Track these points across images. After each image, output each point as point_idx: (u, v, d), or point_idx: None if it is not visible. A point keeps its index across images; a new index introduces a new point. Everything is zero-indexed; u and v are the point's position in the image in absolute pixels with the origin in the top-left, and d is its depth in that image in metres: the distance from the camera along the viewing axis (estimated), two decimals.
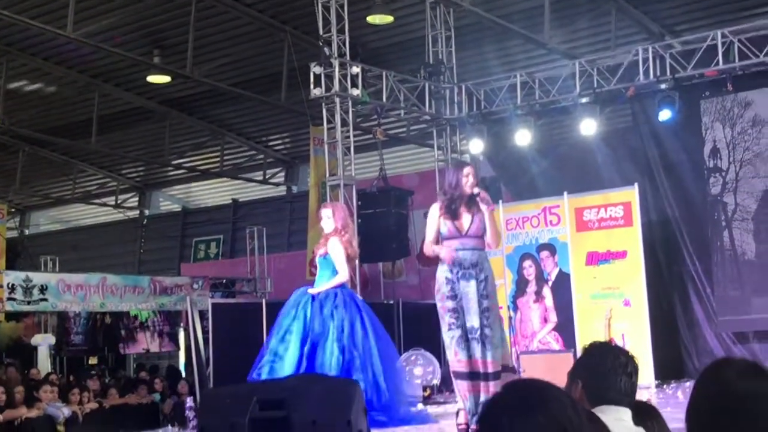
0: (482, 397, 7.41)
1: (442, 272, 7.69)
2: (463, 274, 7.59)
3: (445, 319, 7.64)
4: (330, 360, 8.54)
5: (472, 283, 7.57)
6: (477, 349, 7.50)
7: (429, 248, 7.82)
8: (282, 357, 8.61)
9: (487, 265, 7.72)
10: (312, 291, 8.86)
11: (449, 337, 7.63)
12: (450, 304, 7.60)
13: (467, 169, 7.77)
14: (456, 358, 7.59)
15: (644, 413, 3.49)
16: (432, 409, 10.62)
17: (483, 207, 7.64)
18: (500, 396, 2.15)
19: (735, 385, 2.56)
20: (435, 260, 7.94)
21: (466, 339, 7.54)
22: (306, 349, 8.60)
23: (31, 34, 16.28)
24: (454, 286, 7.59)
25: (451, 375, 7.83)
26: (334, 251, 8.83)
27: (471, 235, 7.64)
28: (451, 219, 7.66)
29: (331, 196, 13.61)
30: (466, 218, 7.66)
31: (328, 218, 9.02)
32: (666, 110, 13.51)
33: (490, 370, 7.52)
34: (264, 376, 8.45)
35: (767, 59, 12.79)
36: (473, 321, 7.53)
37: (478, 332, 7.50)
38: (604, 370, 3.21)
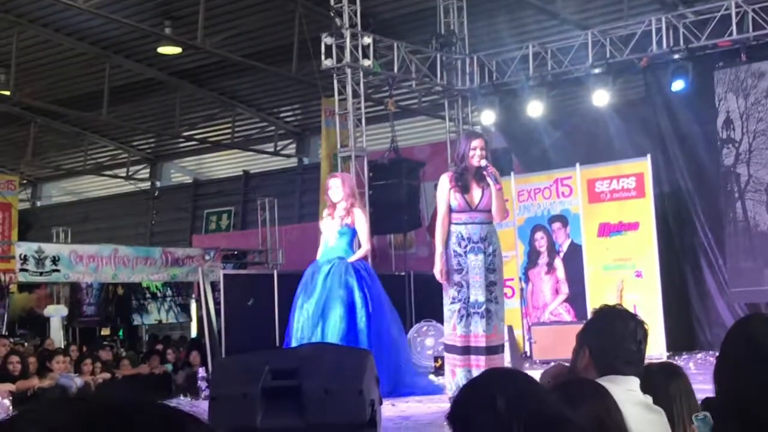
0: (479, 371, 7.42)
1: (452, 245, 7.66)
2: (471, 248, 7.58)
3: (449, 292, 7.64)
4: (362, 328, 8.60)
5: (480, 256, 7.56)
6: (479, 323, 7.49)
7: (440, 227, 7.75)
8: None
9: (495, 238, 7.70)
10: (351, 260, 8.87)
11: (450, 310, 7.65)
12: (456, 277, 7.59)
13: (476, 142, 7.69)
14: (454, 332, 7.59)
15: (669, 373, 3.50)
16: (443, 380, 10.63)
17: (491, 182, 7.59)
18: (475, 384, 2.16)
19: (764, 338, 2.55)
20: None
21: (467, 314, 7.52)
22: (372, 317, 8.66)
23: (43, 5, 16.23)
24: (461, 260, 7.58)
25: (443, 347, 7.82)
26: (360, 223, 8.85)
27: (481, 209, 7.60)
28: (461, 192, 7.61)
29: (342, 167, 13.60)
30: (476, 192, 7.61)
31: (338, 187, 9.02)
32: (679, 81, 13.44)
33: (494, 343, 7.53)
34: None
35: None
36: (478, 295, 7.52)
37: (483, 307, 7.49)
38: (612, 336, 3.17)
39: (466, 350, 7.50)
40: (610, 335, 3.18)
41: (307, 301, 8.78)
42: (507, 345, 12.66)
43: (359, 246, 9.20)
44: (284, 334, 9.07)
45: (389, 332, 8.89)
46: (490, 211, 7.63)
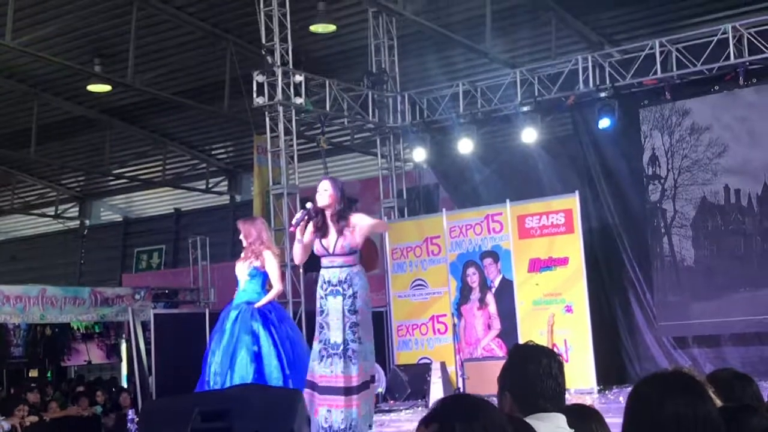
0: (348, 411, 7.43)
1: (318, 288, 7.75)
2: (331, 290, 7.63)
3: (316, 332, 7.72)
4: (272, 371, 8.51)
5: (339, 299, 7.58)
6: (339, 364, 7.50)
7: (296, 248, 7.77)
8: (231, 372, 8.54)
9: (357, 280, 7.64)
10: (258, 305, 8.79)
11: (313, 349, 7.72)
12: (318, 319, 7.69)
13: (322, 184, 7.70)
14: (315, 371, 7.62)
15: (585, 416, 3.53)
16: (376, 417, 10.61)
17: (345, 227, 7.57)
18: (442, 407, 2.21)
19: (661, 408, 2.64)
20: (304, 259, 7.94)
21: (327, 355, 7.56)
22: (284, 360, 8.56)
23: None
24: (322, 302, 7.65)
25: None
26: (270, 264, 8.82)
27: (338, 253, 7.60)
28: (319, 238, 7.63)
29: (275, 204, 13.58)
30: (332, 236, 7.60)
31: (247, 231, 9.06)
32: (605, 119, 13.69)
33: (354, 384, 7.55)
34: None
35: (705, 68, 13.02)
36: (336, 337, 7.55)
37: (341, 347, 7.53)
38: (528, 377, 3.20)
39: (326, 390, 7.51)
40: (525, 376, 3.21)
41: (217, 347, 8.74)
42: (440, 379, 12.73)
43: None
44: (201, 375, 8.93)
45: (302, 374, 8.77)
46: (348, 254, 7.65)
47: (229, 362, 8.61)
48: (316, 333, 7.68)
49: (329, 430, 7.37)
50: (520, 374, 3.22)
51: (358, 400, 7.47)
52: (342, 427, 7.35)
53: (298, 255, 7.80)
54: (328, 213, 7.61)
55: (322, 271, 7.75)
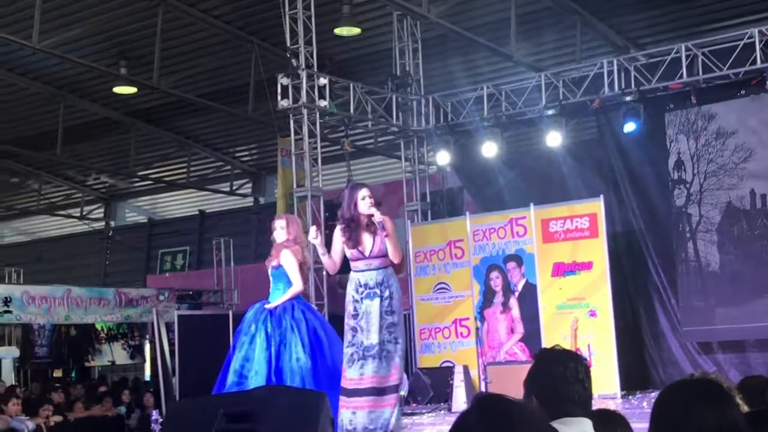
0: (381, 411, 7.49)
1: (350, 291, 7.86)
2: (367, 293, 7.76)
3: (347, 336, 7.80)
4: (293, 370, 8.47)
5: (376, 301, 7.72)
6: (372, 365, 7.61)
7: (326, 262, 8.02)
8: (247, 377, 8.51)
9: (392, 281, 7.84)
10: (269, 306, 8.74)
11: (345, 353, 7.82)
12: (351, 322, 7.78)
13: (363, 191, 7.85)
14: (345, 374, 7.75)
15: (610, 421, 3.52)
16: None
17: (380, 231, 7.74)
18: (475, 412, 2.20)
19: (686, 416, 2.63)
20: (338, 268, 8.06)
21: (360, 357, 7.67)
22: (272, 364, 8.52)
23: None
24: (357, 305, 7.77)
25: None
26: (286, 262, 8.77)
27: (374, 255, 7.76)
28: (353, 246, 7.77)
29: (299, 207, 13.61)
30: (367, 240, 7.76)
31: (282, 229, 8.96)
32: (631, 122, 13.62)
33: (389, 384, 7.65)
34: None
35: (731, 72, 12.94)
36: (372, 338, 7.66)
37: (376, 348, 7.61)
38: (554, 381, 3.19)
39: (353, 393, 7.61)
40: (552, 380, 3.20)
41: (239, 347, 8.72)
42: (462, 383, 12.70)
43: None
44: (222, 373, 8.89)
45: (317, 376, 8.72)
46: (385, 255, 7.77)
47: (246, 360, 8.59)
48: (347, 337, 7.76)
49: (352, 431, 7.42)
50: (547, 378, 3.21)
51: (395, 400, 7.54)
52: (371, 427, 7.41)
53: (329, 268, 8.02)
54: (364, 218, 7.67)
55: (356, 275, 7.82)
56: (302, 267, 8.92)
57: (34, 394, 16.19)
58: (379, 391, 7.58)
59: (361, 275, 7.79)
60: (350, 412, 7.54)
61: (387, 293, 7.74)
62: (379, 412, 7.51)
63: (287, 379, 8.32)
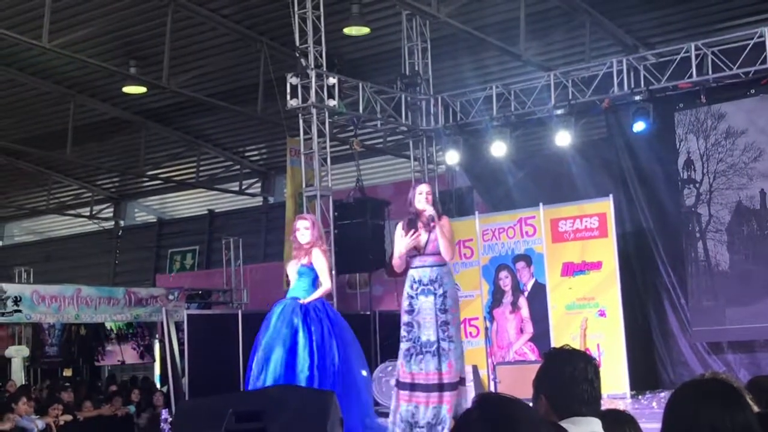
0: (438, 407, 7.59)
1: (406, 287, 8.00)
2: (422, 290, 7.90)
3: (401, 331, 7.96)
4: (304, 369, 8.48)
5: (431, 298, 7.86)
6: (431, 362, 7.73)
7: (395, 262, 8.14)
8: (294, 370, 8.50)
9: (447, 279, 7.99)
10: (303, 301, 8.77)
11: (401, 348, 7.97)
12: (406, 318, 7.93)
13: (420, 187, 8.12)
14: (402, 369, 7.91)
15: (619, 421, 3.52)
16: None
17: (436, 227, 7.92)
18: (475, 411, 2.21)
19: (697, 416, 2.63)
20: (402, 273, 8.14)
21: (417, 353, 7.80)
22: (315, 362, 8.53)
23: (6, 45, 16.18)
24: (412, 301, 7.92)
25: (396, 383, 8.07)
26: (318, 262, 8.80)
27: (429, 252, 7.91)
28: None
29: (308, 206, 13.61)
30: (423, 236, 7.91)
31: (306, 229, 8.97)
32: (640, 122, 13.59)
33: (447, 380, 7.70)
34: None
35: (740, 71, 12.91)
36: (428, 335, 7.78)
37: (435, 346, 7.69)
38: (564, 380, 3.20)
39: (413, 387, 7.77)
40: (561, 380, 3.21)
41: (261, 343, 8.73)
42: (471, 382, 12.70)
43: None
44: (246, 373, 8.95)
45: (345, 375, 8.69)
46: (439, 253, 7.89)
47: (265, 358, 8.61)
48: (403, 333, 7.91)
49: (414, 425, 7.54)
50: (556, 378, 3.22)
51: (450, 397, 7.60)
52: (433, 422, 7.53)
53: (396, 267, 8.13)
54: (423, 215, 7.85)
55: (411, 271, 8.01)
56: (330, 268, 9.07)
57: (43, 393, 16.23)
58: (442, 387, 7.70)
59: (416, 272, 7.94)
60: (413, 405, 7.68)
61: (441, 291, 7.88)
62: (438, 407, 7.64)
63: (328, 380, 8.34)
